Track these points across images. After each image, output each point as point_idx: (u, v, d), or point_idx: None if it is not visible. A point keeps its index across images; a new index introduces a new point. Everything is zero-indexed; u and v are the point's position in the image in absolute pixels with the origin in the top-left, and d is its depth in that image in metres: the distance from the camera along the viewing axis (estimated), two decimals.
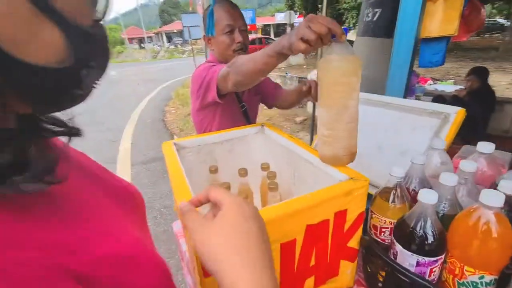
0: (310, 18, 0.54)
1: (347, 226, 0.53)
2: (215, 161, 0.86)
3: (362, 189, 0.51)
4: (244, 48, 1.07)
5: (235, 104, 1.13)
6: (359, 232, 0.56)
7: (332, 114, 0.55)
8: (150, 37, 42.69)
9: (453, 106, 0.80)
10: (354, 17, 9.22)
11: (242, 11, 1.09)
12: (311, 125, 2.69)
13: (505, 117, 2.23)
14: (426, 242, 0.47)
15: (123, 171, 3.11)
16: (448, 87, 4.45)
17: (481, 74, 2.28)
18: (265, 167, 0.81)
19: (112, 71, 16.32)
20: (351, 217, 0.52)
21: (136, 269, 0.28)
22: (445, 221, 0.50)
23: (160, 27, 48.74)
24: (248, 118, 1.16)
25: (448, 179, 0.50)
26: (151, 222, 2.22)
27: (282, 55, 0.65)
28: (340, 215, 0.51)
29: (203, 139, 0.83)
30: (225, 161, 0.88)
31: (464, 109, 0.77)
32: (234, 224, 0.27)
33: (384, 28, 1.17)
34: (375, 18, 1.21)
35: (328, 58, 0.52)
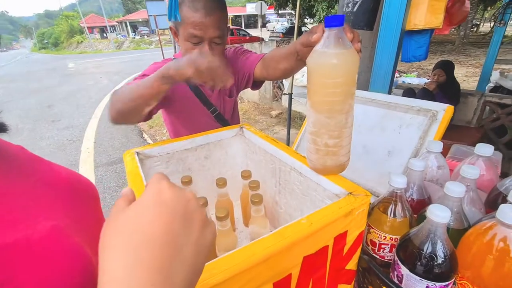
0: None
1: (346, 248, 0.46)
2: (188, 170, 0.75)
3: (363, 206, 0.44)
4: None
5: (199, 110, 0.93)
6: (357, 253, 0.49)
7: (339, 119, 0.47)
8: (112, 26, 39.80)
9: (441, 103, 0.76)
10: (325, 10, 9.29)
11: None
12: (288, 119, 2.63)
13: (468, 108, 2.36)
14: (437, 266, 0.41)
15: (86, 174, 2.83)
16: (414, 80, 4.68)
17: (446, 67, 2.37)
18: (246, 175, 0.72)
19: (70, 63, 15.01)
20: (351, 239, 0.45)
21: (31, 258, 0.26)
22: (451, 236, 0.45)
23: (123, 16, 45.63)
24: (225, 123, 0.98)
25: (455, 190, 0.44)
26: None
27: (167, 80, 0.58)
28: (340, 238, 0.43)
29: (172, 146, 0.71)
30: (200, 170, 0.77)
31: (453, 107, 0.74)
32: (136, 214, 0.22)
33: (365, 19, 1.12)
34: (355, 9, 1.15)
35: (329, 53, 0.43)
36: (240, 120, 1.11)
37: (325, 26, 0.44)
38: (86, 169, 2.93)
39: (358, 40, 0.49)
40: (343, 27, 0.45)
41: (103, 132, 3.98)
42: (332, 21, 0.43)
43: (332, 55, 0.44)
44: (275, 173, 0.69)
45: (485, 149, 0.55)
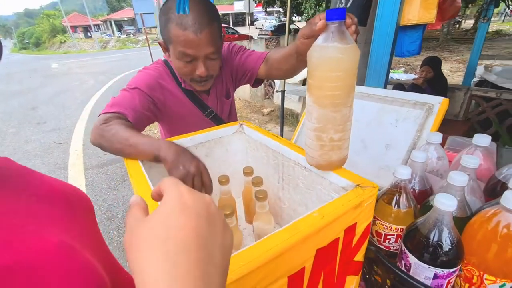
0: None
1: (355, 240, 0.46)
2: None
3: (371, 198, 0.45)
4: (208, 79, 0.80)
5: (194, 115, 0.90)
6: (365, 245, 0.50)
7: (344, 113, 0.47)
8: (97, 25, 38.78)
9: (436, 97, 0.78)
10: (312, 7, 9.35)
11: None
12: (281, 117, 2.64)
13: (455, 102, 2.43)
14: (444, 253, 0.42)
15: (76, 177, 2.76)
16: (401, 76, 4.78)
17: (433, 63, 2.43)
18: (248, 172, 0.71)
19: (53, 63, 14.54)
20: (359, 230, 0.46)
21: (37, 281, 0.24)
22: (455, 224, 0.46)
23: (108, 14, 44.50)
24: (222, 123, 0.95)
25: (458, 179, 0.46)
26: (114, 232, 1.99)
27: (157, 161, 0.59)
28: (350, 230, 0.44)
29: None
30: None
31: (448, 99, 0.76)
32: (164, 221, 0.21)
33: (358, 15, 1.13)
34: (348, 5, 1.17)
35: (333, 47, 0.43)
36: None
37: (327, 20, 0.45)
38: (76, 172, 2.85)
39: (354, 23, 0.49)
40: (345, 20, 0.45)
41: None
42: (334, 15, 0.44)
43: (336, 49, 0.44)
44: (278, 169, 0.69)
45: (482, 139, 0.57)
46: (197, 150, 0.75)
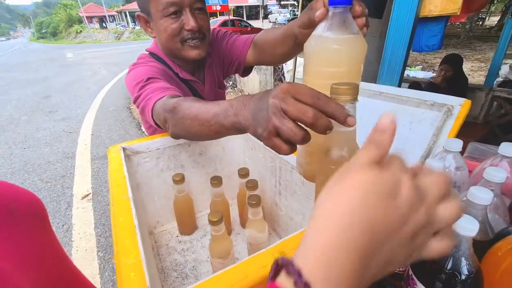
0: (287, 92, 0.32)
1: None
2: (180, 167, 0.69)
3: None
4: (200, 38, 0.72)
5: None
6: None
7: None
8: (112, 16, 39.23)
9: (456, 97, 0.70)
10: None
11: None
12: None
13: (475, 103, 2.28)
14: (460, 284, 0.35)
15: (82, 166, 2.78)
16: (418, 73, 4.59)
17: (453, 62, 2.28)
18: (243, 173, 0.66)
19: (69, 53, 14.83)
20: None
21: None
22: (473, 248, 0.39)
23: (123, 5, 44.90)
24: None
25: (481, 196, 0.39)
26: None
27: (240, 132, 0.41)
28: None
29: (163, 140, 0.66)
30: (194, 167, 0.71)
31: (470, 101, 0.68)
32: (372, 194, 0.19)
33: (373, 7, 1.04)
34: None
35: (331, 38, 0.37)
36: None
37: (329, 4, 0.38)
38: (83, 162, 2.88)
39: (364, 14, 0.42)
40: (351, 6, 0.38)
41: (100, 124, 3.92)
42: None
43: (332, 39, 0.37)
44: (275, 172, 0.64)
45: (510, 149, 0.49)
46: (191, 147, 0.70)
